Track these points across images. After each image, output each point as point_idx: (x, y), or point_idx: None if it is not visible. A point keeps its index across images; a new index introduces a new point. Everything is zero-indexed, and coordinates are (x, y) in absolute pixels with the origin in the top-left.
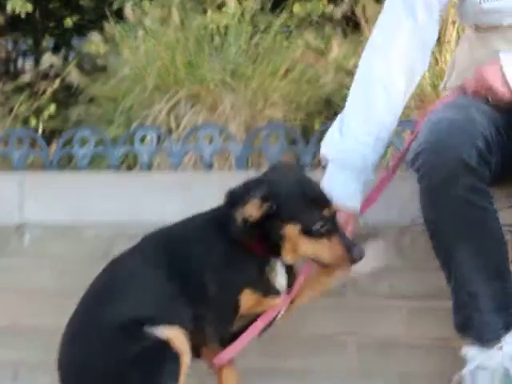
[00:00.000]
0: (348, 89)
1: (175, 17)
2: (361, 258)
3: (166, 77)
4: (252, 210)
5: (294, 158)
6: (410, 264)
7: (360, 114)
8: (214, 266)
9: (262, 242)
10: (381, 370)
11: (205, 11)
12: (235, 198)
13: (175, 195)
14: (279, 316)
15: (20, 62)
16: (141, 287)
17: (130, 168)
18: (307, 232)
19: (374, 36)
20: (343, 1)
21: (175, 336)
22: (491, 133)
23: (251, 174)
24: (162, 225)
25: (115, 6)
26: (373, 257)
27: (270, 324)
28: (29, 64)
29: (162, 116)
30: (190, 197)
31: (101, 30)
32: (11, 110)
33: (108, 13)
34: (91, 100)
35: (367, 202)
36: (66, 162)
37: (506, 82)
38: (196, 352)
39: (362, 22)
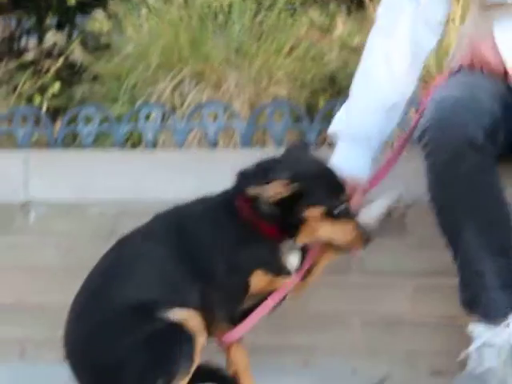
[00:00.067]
0: (352, 66)
1: None
2: (371, 241)
3: (170, 55)
4: (279, 189)
5: (298, 136)
6: (415, 241)
7: (363, 90)
8: (226, 247)
9: (276, 223)
10: (386, 347)
11: None
12: (249, 179)
13: (180, 173)
14: (289, 295)
15: (24, 40)
16: (152, 268)
17: (134, 146)
18: (328, 215)
19: (379, 16)
20: None
21: (189, 317)
22: (497, 110)
23: (256, 152)
24: (167, 203)
25: None
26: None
27: (279, 303)
28: (32, 42)
29: (167, 94)
30: (195, 175)
31: (104, 7)
32: (15, 88)
33: None
34: (95, 78)
35: (374, 180)
36: (71, 140)
37: (498, 54)
38: (206, 330)
39: (367, 0)
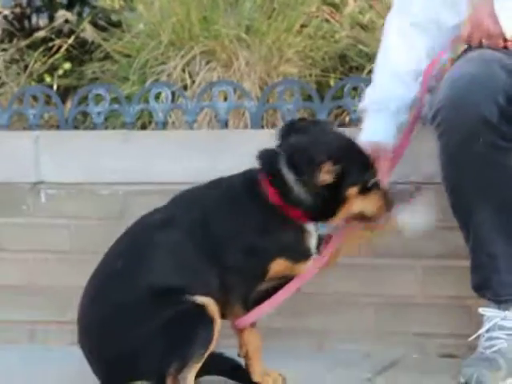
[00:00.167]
0: (363, 44)
1: None
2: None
3: (181, 32)
4: (328, 174)
5: (309, 115)
6: None
7: (381, 63)
8: (249, 231)
9: (310, 207)
10: (397, 330)
11: None
12: (274, 162)
13: (190, 153)
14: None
15: (34, 19)
16: (172, 253)
17: (144, 126)
18: (362, 190)
19: None
20: None
21: (208, 302)
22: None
23: (266, 132)
24: (178, 183)
25: None
26: (422, 213)
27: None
28: (43, 21)
29: (177, 72)
30: (205, 154)
31: None
32: (26, 68)
33: None
34: (106, 56)
35: (399, 148)
36: (81, 120)
37: (497, 21)
38: (220, 313)
39: None
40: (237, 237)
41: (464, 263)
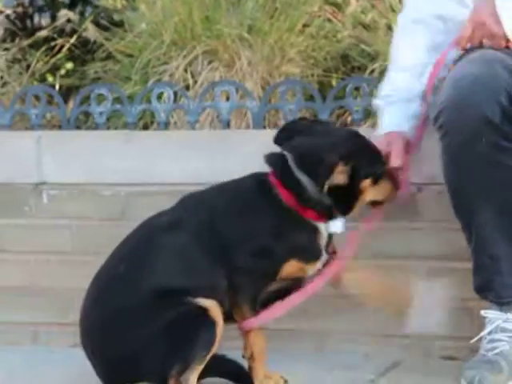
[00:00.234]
0: (366, 44)
1: None
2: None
3: (183, 32)
4: (342, 174)
5: (311, 115)
6: (428, 224)
7: (391, 61)
8: (263, 232)
9: (325, 207)
10: (398, 332)
11: None
12: (281, 164)
13: (192, 153)
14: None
15: (36, 18)
16: (178, 255)
17: (146, 126)
18: (374, 181)
19: None
20: None
21: (212, 305)
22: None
23: (268, 132)
24: (180, 183)
25: None
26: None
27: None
28: (45, 20)
29: (179, 72)
30: (207, 155)
31: None
32: (28, 67)
33: None
34: (108, 56)
35: (416, 137)
36: (83, 120)
37: (499, 22)
38: (226, 316)
39: None
40: (251, 238)
41: (466, 265)
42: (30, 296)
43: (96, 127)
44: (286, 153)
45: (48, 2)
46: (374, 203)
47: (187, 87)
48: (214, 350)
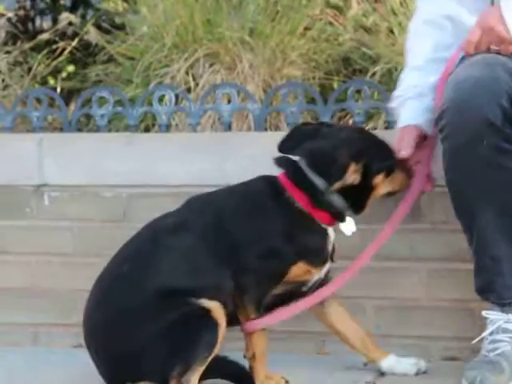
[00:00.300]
0: (367, 47)
1: None
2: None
3: (185, 35)
4: (355, 174)
5: (312, 118)
6: (430, 226)
7: (406, 62)
8: (275, 235)
9: (337, 208)
10: (399, 332)
11: None
12: (293, 167)
13: (193, 156)
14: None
15: (38, 21)
16: (184, 256)
17: (148, 128)
18: (388, 174)
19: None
20: None
21: (215, 307)
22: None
23: (269, 134)
24: (181, 186)
25: None
26: None
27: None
28: (47, 23)
29: (181, 75)
30: (209, 157)
31: None
32: (29, 70)
33: None
34: (110, 59)
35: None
36: (85, 122)
37: (508, 27)
38: (229, 318)
39: None
40: (262, 238)
41: (468, 266)
42: (31, 297)
43: (97, 130)
44: (296, 157)
45: (50, 5)
46: (388, 194)
47: (189, 90)
48: (216, 351)
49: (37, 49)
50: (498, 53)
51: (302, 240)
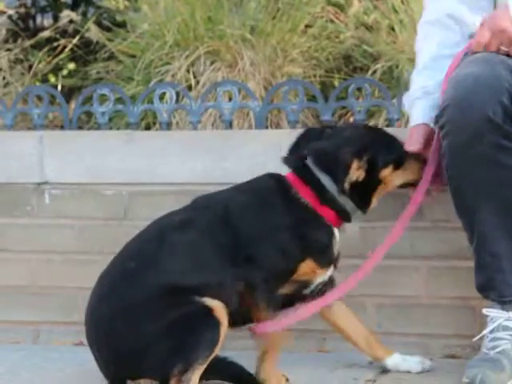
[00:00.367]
0: (368, 44)
1: None
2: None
3: (186, 33)
4: (360, 169)
5: (313, 115)
6: (430, 224)
7: (415, 63)
8: (284, 231)
9: (342, 207)
10: (400, 330)
11: None
12: (301, 165)
13: (194, 153)
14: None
15: (39, 19)
16: (190, 254)
17: (149, 126)
18: (398, 165)
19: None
20: None
21: (217, 306)
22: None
23: (270, 132)
24: (182, 183)
25: None
26: None
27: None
28: (47, 20)
29: (182, 73)
30: (209, 155)
31: None
32: (30, 67)
33: None
34: (110, 56)
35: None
36: (86, 120)
37: None
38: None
39: None
40: (271, 235)
41: (468, 264)
42: (31, 295)
43: (98, 127)
44: (303, 155)
45: (50, 3)
46: (404, 185)
47: (189, 87)
48: (217, 350)
49: (38, 46)
50: (508, 54)
51: (309, 236)
